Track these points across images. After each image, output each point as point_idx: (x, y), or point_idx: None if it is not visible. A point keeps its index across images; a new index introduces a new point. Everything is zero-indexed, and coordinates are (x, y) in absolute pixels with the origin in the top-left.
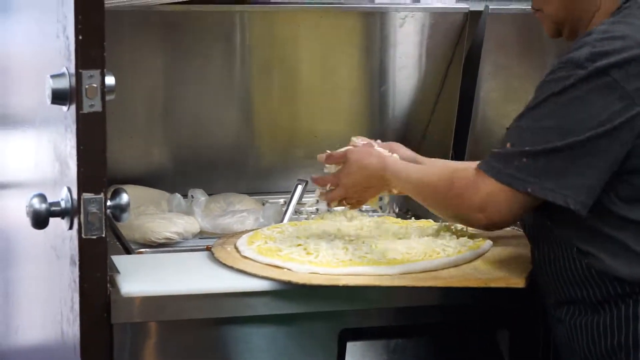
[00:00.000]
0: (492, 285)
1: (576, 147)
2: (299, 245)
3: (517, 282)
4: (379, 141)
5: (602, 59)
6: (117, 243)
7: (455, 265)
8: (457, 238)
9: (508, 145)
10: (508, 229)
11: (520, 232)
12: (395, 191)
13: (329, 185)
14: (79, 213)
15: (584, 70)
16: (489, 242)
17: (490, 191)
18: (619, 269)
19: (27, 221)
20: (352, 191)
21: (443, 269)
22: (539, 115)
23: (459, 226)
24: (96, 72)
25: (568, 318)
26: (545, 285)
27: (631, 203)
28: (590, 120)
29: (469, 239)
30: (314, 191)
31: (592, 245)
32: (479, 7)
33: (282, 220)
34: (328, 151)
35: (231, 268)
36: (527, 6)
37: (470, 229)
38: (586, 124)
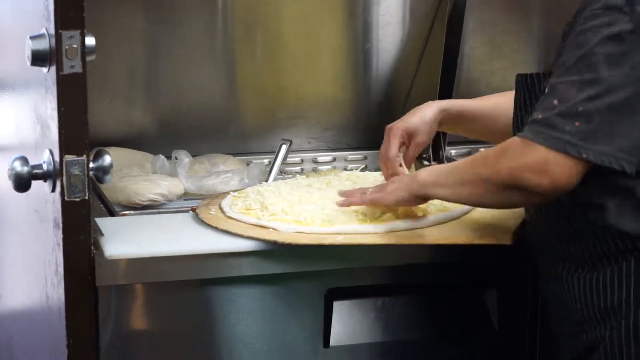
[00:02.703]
0: (479, 242)
1: (626, 104)
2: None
3: (504, 239)
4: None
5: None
6: (101, 205)
7: (442, 222)
8: None
9: (556, 102)
10: None
11: None
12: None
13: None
14: (62, 175)
15: (625, 16)
16: None
17: (546, 156)
18: (624, 221)
19: (9, 184)
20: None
21: (429, 226)
22: (584, 68)
23: None
24: (76, 33)
25: (565, 274)
26: (541, 242)
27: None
28: (634, 73)
29: None
30: (298, 151)
31: (599, 197)
32: None
33: (267, 180)
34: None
35: (216, 229)
36: None
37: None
38: (632, 78)
